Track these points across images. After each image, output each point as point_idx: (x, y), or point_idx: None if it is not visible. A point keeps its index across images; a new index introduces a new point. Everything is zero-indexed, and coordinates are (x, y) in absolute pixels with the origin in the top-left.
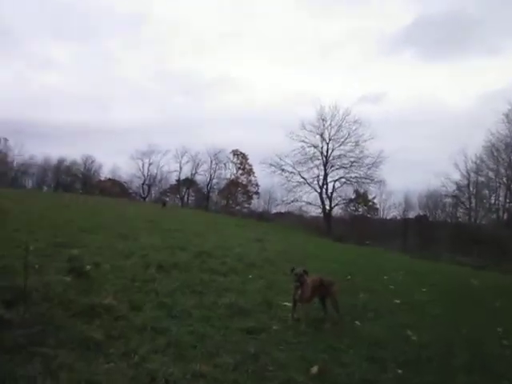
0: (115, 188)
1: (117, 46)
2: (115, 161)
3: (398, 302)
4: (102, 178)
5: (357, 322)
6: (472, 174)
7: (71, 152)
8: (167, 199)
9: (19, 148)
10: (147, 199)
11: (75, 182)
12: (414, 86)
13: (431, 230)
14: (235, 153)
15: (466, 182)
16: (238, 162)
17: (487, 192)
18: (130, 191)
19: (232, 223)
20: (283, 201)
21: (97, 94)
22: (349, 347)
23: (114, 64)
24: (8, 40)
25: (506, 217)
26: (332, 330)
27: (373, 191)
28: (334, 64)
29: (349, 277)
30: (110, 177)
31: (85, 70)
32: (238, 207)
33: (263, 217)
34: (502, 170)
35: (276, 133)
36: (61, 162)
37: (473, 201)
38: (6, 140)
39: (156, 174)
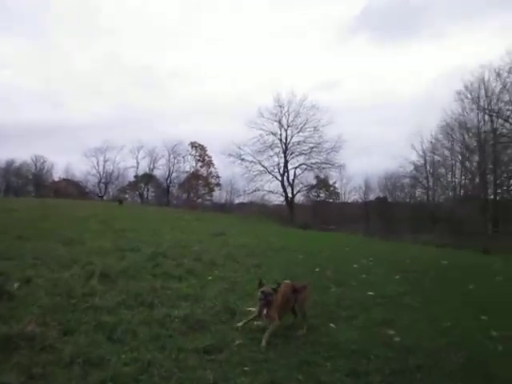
0: (70, 188)
1: (66, 40)
2: (68, 160)
3: (372, 294)
4: (56, 179)
5: (331, 325)
6: (428, 154)
7: (21, 153)
8: (127, 196)
9: None
10: (105, 198)
11: (27, 184)
12: (367, 72)
13: (392, 212)
14: (193, 145)
15: (422, 162)
16: (197, 154)
17: (444, 170)
18: (87, 190)
19: (192, 218)
20: (245, 191)
21: (45, 90)
22: (326, 360)
23: (63, 58)
24: None
25: (462, 194)
26: (305, 339)
27: (333, 176)
28: (290, 52)
29: (317, 269)
30: (64, 177)
31: (32, 65)
32: (199, 200)
33: (226, 208)
34: (457, 148)
35: (235, 124)
36: (9, 164)
37: (430, 180)
38: None
39: (112, 170)
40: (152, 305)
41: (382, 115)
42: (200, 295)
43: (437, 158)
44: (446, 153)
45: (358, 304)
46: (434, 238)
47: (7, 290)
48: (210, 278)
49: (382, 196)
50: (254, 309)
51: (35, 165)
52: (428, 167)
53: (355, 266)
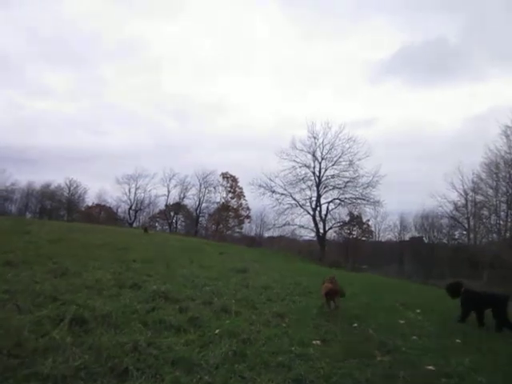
0: (103, 214)
1: (108, 72)
2: (102, 186)
3: (432, 369)
4: (89, 204)
5: None
6: (470, 193)
7: (57, 177)
8: (156, 225)
9: (1, 172)
10: (134, 224)
11: (60, 208)
12: (402, 111)
13: (429, 253)
14: (225, 175)
15: (463, 202)
16: (228, 185)
17: (487, 211)
18: (118, 217)
19: (216, 250)
20: (274, 224)
21: (86, 119)
22: None
23: (104, 90)
24: None
25: (508, 236)
26: None
27: (367, 213)
28: (324, 91)
29: (355, 324)
30: (97, 202)
31: (75, 95)
32: (229, 232)
33: (255, 242)
34: (503, 188)
35: (266, 156)
36: (45, 187)
37: (471, 221)
38: None
39: (143, 198)
40: (125, 374)
41: (417, 153)
42: (197, 361)
43: (479, 197)
44: (490, 192)
45: None
46: (481, 286)
47: None
48: (216, 331)
49: (417, 235)
50: None
51: (69, 189)
52: (469, 207)
53: (401, 321)
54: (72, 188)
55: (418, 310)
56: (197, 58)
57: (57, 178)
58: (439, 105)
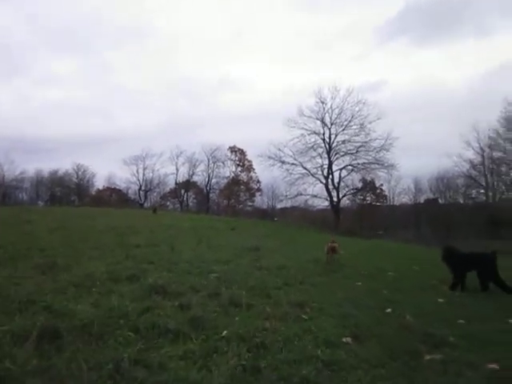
0: (114, 196)
1: (114, 55)
2: (111, 169)
3: (496, 368)
4: (100, 187)
5: None
6: (487, 150)
7: (65, 164)
8: (168, 204)
9: (9, 163)
10: (145, 205)
11: (70, 193)
12: (411, 71)
13: (445, 214)
14: (233, 149)
15: (480, 159)
16: (237, 158)
17: (505, 168)
18: (129, 198)
19: (226, 227)
20: (286, 195)
21: (95, 104)
22: None
23: (111, 72)
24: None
25: None
26: None
27: (381, 178)
28: (331, 58)
29: (388, 310)
30: (107, 185)
31: (82, 81)
32: (241, 206)
33: (267, 214)
34: None
35: (276, 128)
36: (53, 173)
37: (489, 178)
38: None
39: (152, 178)
40: None
41: (429, 114)
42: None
43: (497, 154)
44: (509, 146)
45: None
46: (503, 246)
47: None
48: (224, 333)
49: (433, 197)
50: None
51: (77, 174)
52: (487, 164)
53: (440, 300)
54: (80, 173)
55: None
56: (205, 33)
57: (64, 165)
58: (450, 62)
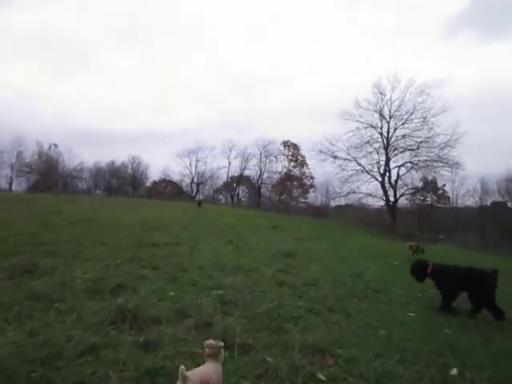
0: (170, 188)
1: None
2: (165, 162)
3: None
4: (156, 179)
5: None
6: None
7: (122, 156)
8: (220, 197)
9: (68, 153)
10: (197, 198)
11: (125, 184)
12: (477, 67)
13: None
14: (286, 144)
15: None
16: (290, 153)
17: None
18: (182, 190)
19: (269, 224)
20: (339, 193)
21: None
22: None
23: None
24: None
25: None
26: None
27: (443, 178)
28: (392, 52)
29: (453, 372)
30: (162, 177)
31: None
32: (293, 202)
33: (320, 212)
34: None
35: (331, 122)
36: (110, 164)
37: None
38: (55, 146)
39: (204, 171)
40: None
41: (497, 111)
42: None
43: None
44: None
45: None
46: None
47: None
48: None
49: (501, 200)
50: None
51: (132, 165)
52: None
53: None
54: (135, 164)
55: None
56: (257, 30)
57: (121, 157)
58: None
